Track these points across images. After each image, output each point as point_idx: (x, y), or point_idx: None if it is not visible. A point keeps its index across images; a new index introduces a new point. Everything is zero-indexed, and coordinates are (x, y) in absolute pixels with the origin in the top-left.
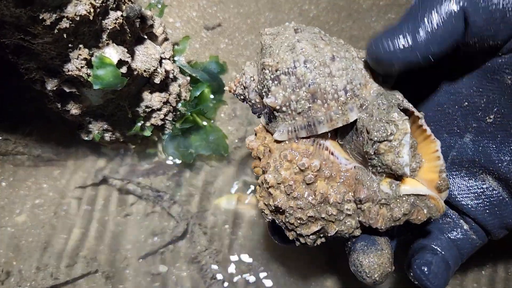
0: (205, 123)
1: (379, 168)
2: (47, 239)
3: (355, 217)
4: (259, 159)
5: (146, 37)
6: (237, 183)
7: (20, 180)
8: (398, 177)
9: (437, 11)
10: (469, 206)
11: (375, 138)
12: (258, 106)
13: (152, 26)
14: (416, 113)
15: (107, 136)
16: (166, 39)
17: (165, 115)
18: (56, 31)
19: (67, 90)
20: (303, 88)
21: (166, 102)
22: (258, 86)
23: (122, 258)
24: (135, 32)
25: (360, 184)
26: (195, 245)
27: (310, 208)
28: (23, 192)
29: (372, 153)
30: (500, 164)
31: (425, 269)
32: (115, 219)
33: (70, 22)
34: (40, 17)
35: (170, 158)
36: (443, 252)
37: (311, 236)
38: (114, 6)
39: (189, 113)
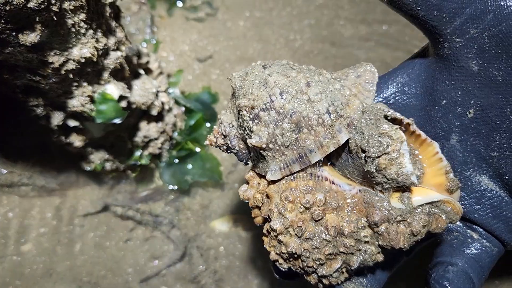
0: (199, 149)
1: (385, 184)
2: (52, 266)
3: (374, 242)
4: (258, 208)
5: (143, 72)
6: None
7: (25, 210)
8: (407, 189)
9: None
10: (472, 212)
11: (373, 155)
12: (243, 152)
13: (148, 62)
14: (405, 120)
15: (108, 165)
16: (161, 73)
17: (162, 143)
18: (63, 72)
19: (71, 125)
20: (285, 120)
21: (163, 132)
22: (239, 131)
23: (124, 282)
24: (133, 68)
25: (371, 207)
26: (194, 266)
27: (326, 245)
28: (28, 222)
29: (374, 171)
30: (491, 161)
31: (445, 282)
32: (117, 244)
33: (76, 64)
34: (50, 61)
35: (167, 184)
36: (462, 264)
37: (334, 274)
38: (115, 47)
39: (185, 141)
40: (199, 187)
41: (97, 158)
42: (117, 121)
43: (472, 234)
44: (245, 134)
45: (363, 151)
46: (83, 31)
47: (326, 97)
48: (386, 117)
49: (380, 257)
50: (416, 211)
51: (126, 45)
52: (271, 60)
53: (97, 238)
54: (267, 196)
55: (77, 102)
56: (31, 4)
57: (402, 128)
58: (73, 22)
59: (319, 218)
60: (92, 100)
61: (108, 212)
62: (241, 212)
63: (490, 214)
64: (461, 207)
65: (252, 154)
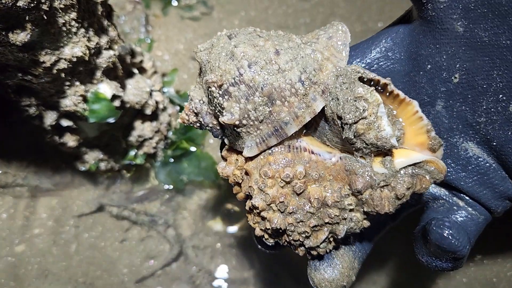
0: (194, 149)
1: (365, 149)
2: (47, 267)
3: (359, 209)
4: (239, 184)
5: (136, 71)
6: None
7: (20, 211)
8: (388, 152)
9: None
10: (458, 180)
11: (350, 121)
12: (217, 128)
13: (142, 61)
14: (382, 80)
15: (103, 165)
16: (155, 72)
17: (157, 143)
18: (55, 71)
19: (65, 124)
20: (256, 93)
21: (158, 131)
22: (210, 107)
23: (119, 282)
24: (127, 67)
25: (352, 174)
26: (189, 266)
27: (310, 217)
28: (22, 223)
29: (353, 137)
30: (478, 127)
31: (446, 226)
32: (112, 244)
33: (68, 63)
34: (41, 60)
35: (163, 184)
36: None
37: (321, 245)
38: (107, 46)
39: (180, 140)
40: (195, 187)
41: (92, 158)
42: (111, 120)
43: (458, 201)
44: (216, 111)
45: (339, 117)
46: (74, 30)
47: (297, 65)
48: (361, 79)
49: (366, 223)
50: (399, 174)
51: (119, 44)
52: (237, 29)
53: (92, 239)
54: (246, 173)
55: (69, 101)
56: (20, 3)
57: (379, 89)
58: (64, 21)
59: (301, 191)
60: (85, 99)
61: (104, 212)
62: (238, 212)
63: (477, 182)
64: (445, 166)
65: (226, 130)
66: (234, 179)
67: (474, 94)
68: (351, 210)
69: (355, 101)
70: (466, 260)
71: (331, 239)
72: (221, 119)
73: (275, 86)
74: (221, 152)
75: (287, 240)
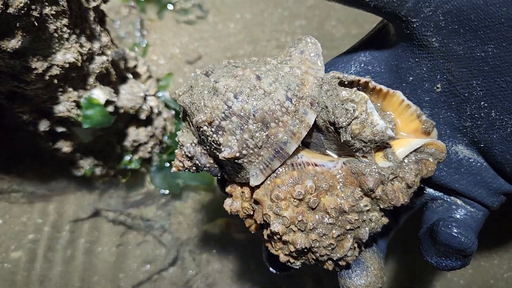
0: None
1: (364, 148)
2: (44, 273)
3: (375, 207)
4: (250, 216)
5: (131, 76)
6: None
7: (16, 217)
8: (387, 145)
9: None
10: (453, 182)
11: (344, 124)
12: (215, 166)
13: (136, 66)
14: (362, 79)
15: (98, 171)
16: (150, 76)
17: (152, 148)
18: (47, 77)
19: (59, 130)
20: (249, 121)
21: (152, 136)
22: (204, 147)
23: (116, 287)
24: (120, 72)
25: (360, 175)
26: (186, 270)
27: (332, 228)
28: (18, 228)
29: (350, 139)
30: (465, 130)
31: (454, 225)
32: (109, 249)
33: (60, 69)
34: (33, 66)
35: (158, 188)
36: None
37: (348, 253)
38: (100, 52)
39: (175, 145)
40: (190, 191)
41: (87, 163)
42: (105, 125)
43: (456, 200)
44: (212, 149)
45: (332, 124)
46: (66, 36)
47: (280, 84)
48: (342, 83)
49: (385, 220)
50: (404, 163)
51: (112, 49)
52: (210, 65)
53: (88, 244)
54: (256, 202)
55: (63, 107)
56: (10, 10)
57: (361, 88)
58: (55, 27)
59: (316, 204)
60: (78, 105)
61: (100, 217)
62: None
63: (471, 182)
64: (444, 144)
65: (226, 167)
66: (245, 212)
67: (458, 102)
68: (368, 211)
69: (343, 104)
70: None
71: (355, 245)
72: (221, 155)
73: (266, 109)
74: (222, 189)
75: (314, 257)
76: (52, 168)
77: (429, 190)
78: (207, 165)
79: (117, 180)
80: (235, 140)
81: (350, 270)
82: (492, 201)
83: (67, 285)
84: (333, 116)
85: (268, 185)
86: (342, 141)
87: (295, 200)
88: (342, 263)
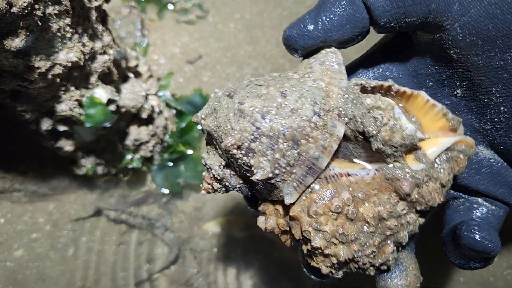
0: (191, 152)
1: (396, 153)
2: (45, 271)
3: (412, 210)
4: (285, 232)
5: (132, 75)
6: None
7: (18, 216)
8: (416, 147)
9: (339, 1)
10: (474, 183)
11: (374, 132)
12: (245, 185)
13: (137, 65)
14: (385, 83)
15: (99, 170)
16: (151, 76)
17: (153, 146)
18: (50, 76)
19: (61, 129)
20: (279, 141)
21: (154, 135)
22: (234, 170)
23: (118, 286)
24: (122, 72)
25: (395, 180)
26: (187, 269)
27: (373, 236)
28: (20, 227)
29: (382, 146)
30: (485, 133)
31: (477, 229)
32: (110, 248)
33: (63, 68)
34: (36, 66)
35: (160, 187)
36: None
37: (390, 257)
38: (102, 51)
39: (176, 144)
40: (191, 190)
41: (89, 162)
42: (106, 124)
43: (477, 199)
44: (242, 171)
45: (362, 133)
46: (68, 35)
47: (306, 100)
48: (364, 89)
49: (421, 220)
50: (436, 163)
51: (113, 49)
52: (230, 85)
53: (90, 243)
54: (292, 219)
55: (65, 106)
56: (14, 10)
57: (384, 92)
58: (58, 27)
59: (355, 215)
60: (80, 104)
61: (101, 216)
62: (235, 214)
63: (492, 182)
64: (472, 139)
65: (257, 185)
66: (281, 229)
67: (478, 106)
68: (405, 214)
69: (370, 112)
70: None
71: (396, 249)
72: (254, 177)
73: (295, 127)
74: (252, 206)
75: (357, 266)
76: (53, 167)
77: (450, 190)
78: (238, 186)
79: (119, 179)
80: (267, 161)
81: (388, 273)
82: None
83: (69, 284)
84: (361, 126)
85: (304, 201)
86: (374, 149)
87: (333, 213)
88: (383, 267)
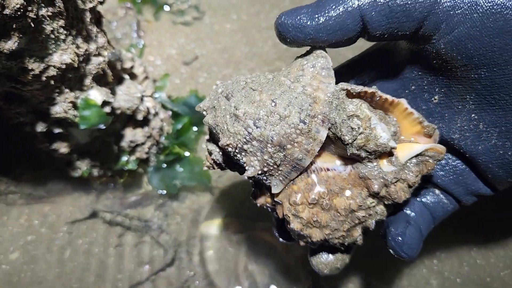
0: (187, 153)
1: (370, 156)
2: (41, 274)
3: (380, 203)
4: (273, 209)
5: (127, 77)
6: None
7: (13, 218)
8: (390, 152)
9: (337, 6)
10: (437, 177)
11: (350, 140)
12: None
13: (132, 67)
14: (369, 89)
15: (95, 172)
16: (146, 77)
17: (149, 148)
18: (44, 78)
19: (56, 131)
20: (268, 145)
21: (150, 136)
22: (230, 158)
23: None
24: (117, 73)
25: (367, 179)
26: (184, 271)
27: (343, 223)
28: (16, 230)
29: (356, 151)
30: (452, 142)
31: (400, 239)
32: (106, 250)
33: (57, 70)
34: (29, 67)
35: (156, 189)
36: (416, 218)
37: (358, 239)
38: (97, 52)
39: (172, 145)
40: (188, 191)
41: (84, 164)
42: (101, 126)
43: (434, 189)
44: (236, 164)
45: (340, 139)
46: (62, 37)
47: (294, 108)
48: (350, 94)
49: (390, 209)
50: (406, 166)
51: (108, 50)
52: (229, 81)
53: (86, 245)
54: (277, 202)
55: (60, 108)
56: (7, 11)
57: (368, 98)
58: (51, 29)
59: (328, 206)
60: (75, 106)
61: (97, 218)
62: (231, 216)
63: (452, 180)
64: (443, 147)
65: (250, 181)
66: (268, 205)
67: (450, 113)
68: (374, 206)
69: (349, 120)
70: (461, 261)
71: (364, 232)
72: (245, 174)
73: (282, 134)
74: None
75: (328, 245)
76: (49, 169)
77: None
78: (233, 169)
79: (115, 181)
80: (257, 161)
81: (318, 249)
82: (467, 199)
83: (65, 286)
84: (340, 132)
85: (287, 190)
86: (348, 154)
87: (310, 204)
88: (351, 245)
